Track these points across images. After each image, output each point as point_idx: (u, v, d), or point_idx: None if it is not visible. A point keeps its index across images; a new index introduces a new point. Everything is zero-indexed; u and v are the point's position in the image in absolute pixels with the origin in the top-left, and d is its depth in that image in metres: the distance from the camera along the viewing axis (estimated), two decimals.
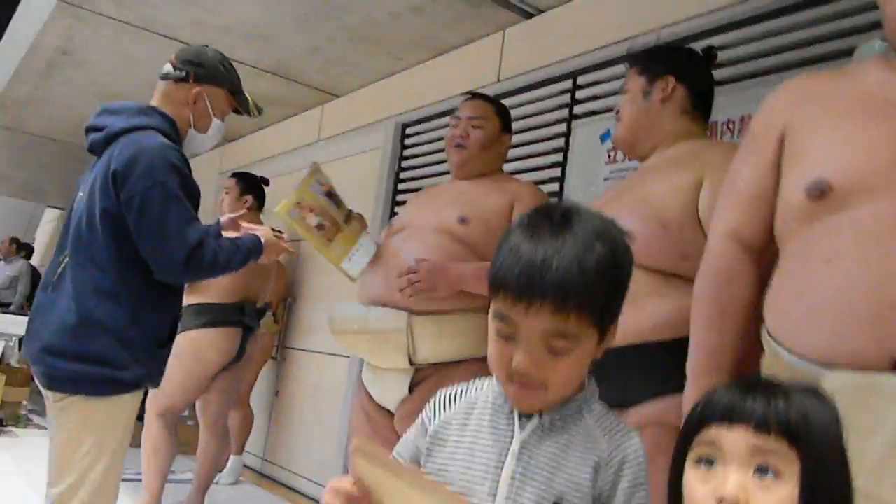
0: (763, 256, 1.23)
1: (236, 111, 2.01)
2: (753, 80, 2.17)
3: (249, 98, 1.96)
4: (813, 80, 1.21)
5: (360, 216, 2.07)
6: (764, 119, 1.22)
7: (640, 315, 1.42)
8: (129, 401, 1.72)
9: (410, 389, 1.88)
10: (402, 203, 3.73)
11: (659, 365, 1.42)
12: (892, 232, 0.99)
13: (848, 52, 1.90)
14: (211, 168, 5.78)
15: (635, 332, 1.41)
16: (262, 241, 1.88)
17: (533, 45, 3.04)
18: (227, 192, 3.68)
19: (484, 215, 1.93)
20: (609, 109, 2.66)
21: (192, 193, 1.76)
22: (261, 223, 3.67)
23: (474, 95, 2.20)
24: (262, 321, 4.12)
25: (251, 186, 3.68)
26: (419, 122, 3.70)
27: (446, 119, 3.45)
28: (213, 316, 3.16)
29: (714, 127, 2.13)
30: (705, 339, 1.23)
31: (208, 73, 1.86)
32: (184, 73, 1.84)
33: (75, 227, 1.71)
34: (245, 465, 4.46)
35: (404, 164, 3.77)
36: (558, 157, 2.83)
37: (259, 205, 3.72)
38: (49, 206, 9.83)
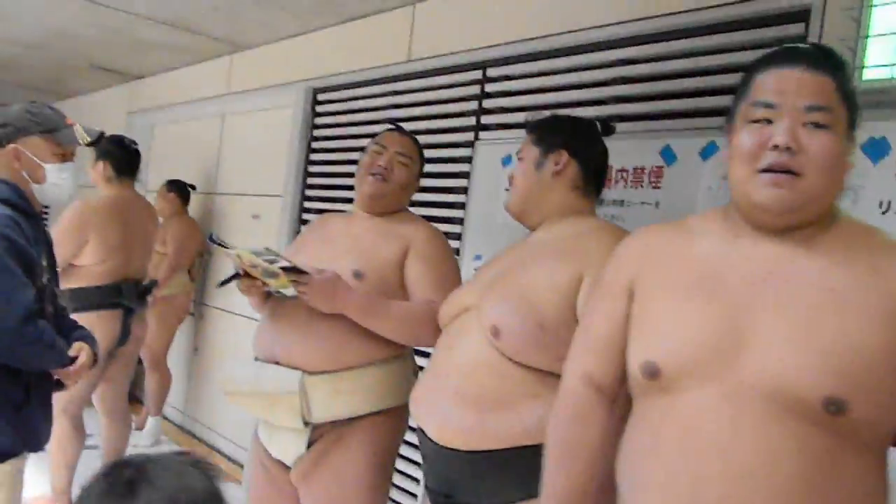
0: (618, 397, 1.23)
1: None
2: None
3: (75, 128, 1.87)
4: (658, 237, 1.21)
5: None
6: (614, 270, 1.24)
7: (514, 419, 1.43)
8: (6, 470, 1.70)
9: (308, 445, 1.87)
10: (315, 174, 3.61)
11: (531, 468, 1.42)
12: (709, 423, 1.02)
13: None
14: (119, 108, 5.44)
15: (508, 437, 1.43)
16: (67, 368, 1.82)
17: (443, 27, 2.88)
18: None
19: (379, 269, 1.87)
20: (519, 108, 2.57)
21: (24, 258, 1.69)
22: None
23: (402, 130, 2.06)
24: (159, 293, 3.95)
25: (105, 152, 3.20)
26: (330, 89, 3.52)
27: (359, 90, 3.34)
28: (88, 299, 2.98)
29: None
30: (555, 482, 1.24)
31: (15, 128, 1.81)
32: None
33: None
34: (165, 418, 4.48)
35: (316, 132, 3.61)
36: (467, 151, 2.74)
37: (117, 170, 3.23)
38: None
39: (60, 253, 2.83)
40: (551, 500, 1.23)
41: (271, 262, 1.73)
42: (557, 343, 1.42)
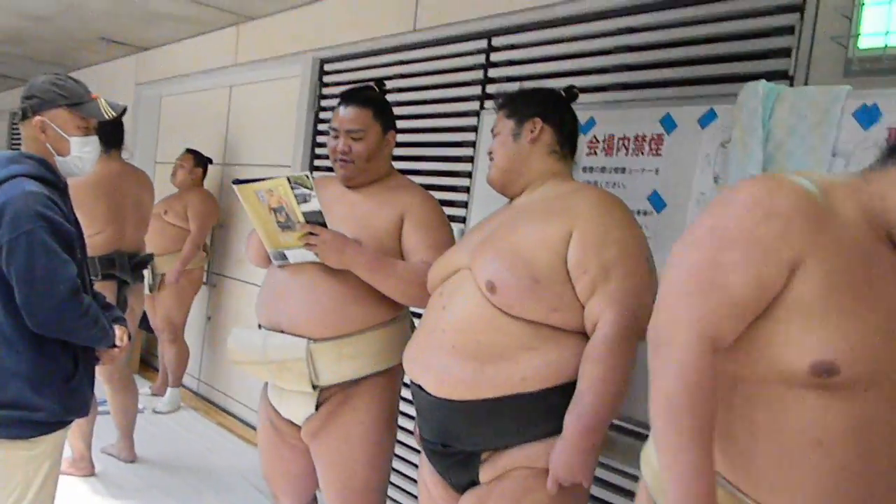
0: None
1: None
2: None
3: (99, 101, 1.88)
4: (817, 208, 1.05)
5: None
6: (776, 235, 1.03)
7: (512, 369, 1.50)
8: (52, 440, 1.77)
9: (317, 406, 1.96)
10: (323, 144, 3.65)
11: (529, 413, 1.52)
12: (880, 424, 1.02)
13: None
14: (127, 79, 5.48)
15: (507, 385, 1.50)
16: (115, 344, 1.87)
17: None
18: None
19: (377, 235, 1.93)
20: (524, 77, 2.61)
21: (64, 236, 1.73)
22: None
23: (349, 99, 2.05)
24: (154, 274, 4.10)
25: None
26: (338, 59, 3.55)
27: (365, 60, 3.37)
28: None
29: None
30: (696, 461, 1.04)
31: (41, 100, 1.81)
32: (22, 112, 1.83)
33: None
34: (183, 385, 4.58)
35: (324, 103, 3.65)
36: (473, 120, 2.78)
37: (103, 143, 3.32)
38: None
39: None
40: (693, 483, 1.03)
41: (303, 199, 1.78)
42: (551, 295, 1.50)
